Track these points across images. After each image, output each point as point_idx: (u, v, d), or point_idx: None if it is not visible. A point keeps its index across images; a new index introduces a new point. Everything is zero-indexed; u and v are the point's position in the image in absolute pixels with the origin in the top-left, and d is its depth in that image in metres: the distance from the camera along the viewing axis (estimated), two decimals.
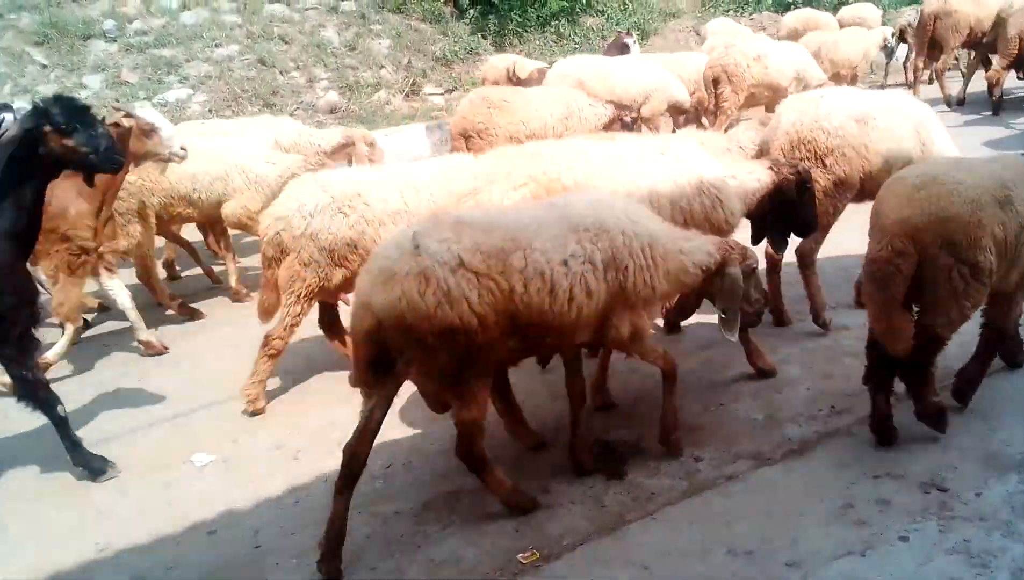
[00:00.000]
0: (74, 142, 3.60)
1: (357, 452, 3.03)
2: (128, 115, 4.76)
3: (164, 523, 3.48)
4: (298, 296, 4.21)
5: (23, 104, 6.18)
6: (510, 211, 3.24)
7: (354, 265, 4.14)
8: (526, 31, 13.59)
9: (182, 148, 5.09)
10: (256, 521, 3.44)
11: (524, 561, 2.98)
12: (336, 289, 4.35)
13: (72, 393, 4.96)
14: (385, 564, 3.06)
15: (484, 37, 13.38)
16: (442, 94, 12.79)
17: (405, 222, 4.03)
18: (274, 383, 4.76)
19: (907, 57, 11.93)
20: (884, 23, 12.39)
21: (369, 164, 6.61)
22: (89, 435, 4.37)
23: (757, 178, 4.12)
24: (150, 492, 3.76)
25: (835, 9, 14.29)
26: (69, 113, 3.59)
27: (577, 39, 13.76)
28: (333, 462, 3.77)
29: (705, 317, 4.89)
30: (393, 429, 4.02)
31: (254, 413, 4.40)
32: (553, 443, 3.70)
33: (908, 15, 11.45)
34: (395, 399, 4.27)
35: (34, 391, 3.79)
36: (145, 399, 4.77)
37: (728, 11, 13.96)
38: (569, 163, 3.90)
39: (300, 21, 12.74)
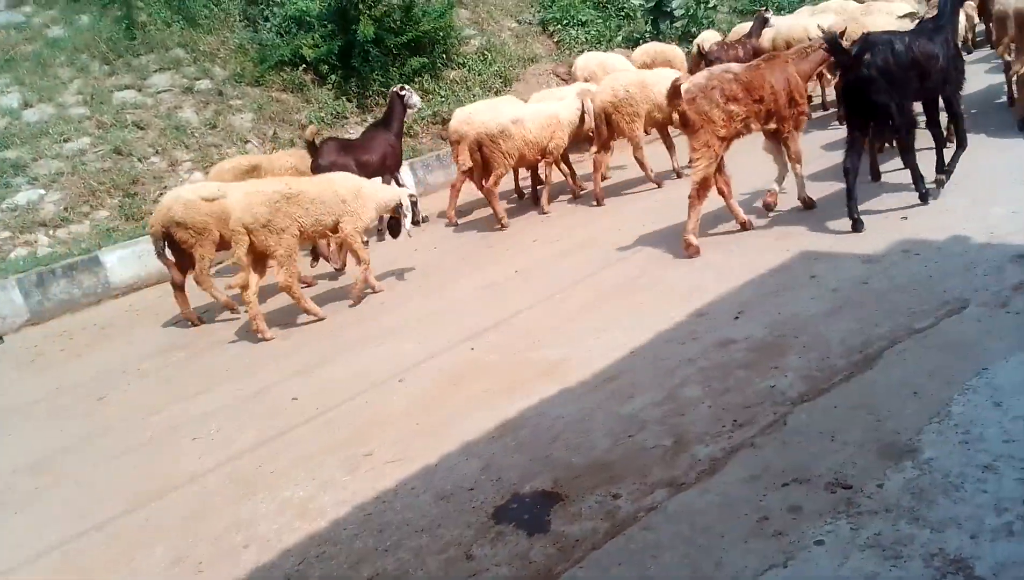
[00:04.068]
0: None
1: None
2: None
3: None
4: None
5: None
6: None
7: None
8: (389, 90, 13.62)
9: None
10: None
11: None
12: None
13: None
14: None
15: (349, 100, 13.33)
16: None
17: None
18: (162, 485, 4.46)
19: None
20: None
21: None
22: None
23: None
24: None
25: (680, 40, 15.11)
26: None
27: (442, 92, 13.91)
28: (241, 568, 3.56)
29: (616, 341, 4.97)
30: (302, 521, 3.83)
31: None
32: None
33: None
34: (292, 491, 4.12)
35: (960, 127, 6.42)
36: (29, 527, 4.35)
37: (583, 51, 14.48)
38: None
39: (154, 105, 12.28)
